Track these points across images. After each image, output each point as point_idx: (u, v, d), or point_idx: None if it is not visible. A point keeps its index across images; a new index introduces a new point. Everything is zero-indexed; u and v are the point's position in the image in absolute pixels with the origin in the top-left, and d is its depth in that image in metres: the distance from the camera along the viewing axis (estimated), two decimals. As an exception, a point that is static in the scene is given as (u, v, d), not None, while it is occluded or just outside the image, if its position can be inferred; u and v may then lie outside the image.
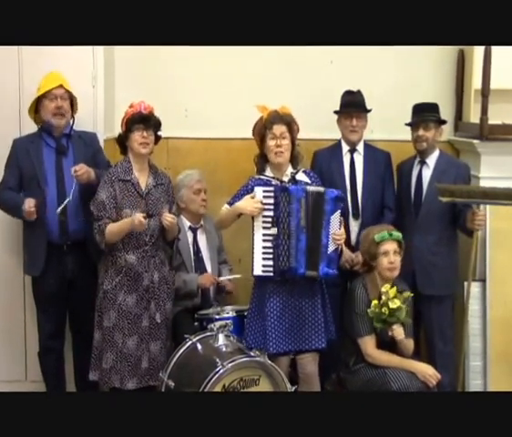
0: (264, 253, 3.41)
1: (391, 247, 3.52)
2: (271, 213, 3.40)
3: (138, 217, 3.43)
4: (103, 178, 3.59)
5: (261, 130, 3.51)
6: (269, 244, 3.40)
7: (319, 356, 3.53)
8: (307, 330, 3.45)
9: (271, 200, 3.40)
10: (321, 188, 3.47)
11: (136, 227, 3.46)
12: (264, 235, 3.41)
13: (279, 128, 3.46)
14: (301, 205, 3.39)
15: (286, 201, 3.38)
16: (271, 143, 3.47)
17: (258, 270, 3.42)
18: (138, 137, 3.53)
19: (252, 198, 3.42)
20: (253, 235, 3.43)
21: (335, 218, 3.43)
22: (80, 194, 3.66)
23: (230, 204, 3.53)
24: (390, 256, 3.51)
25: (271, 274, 3.41)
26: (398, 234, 3.57)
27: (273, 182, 3.49)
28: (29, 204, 3.55)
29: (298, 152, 3.57)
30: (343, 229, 3.48)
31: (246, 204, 3.42)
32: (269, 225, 3.41)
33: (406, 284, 3.63)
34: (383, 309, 3.37)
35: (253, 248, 3.43)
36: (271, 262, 3.40)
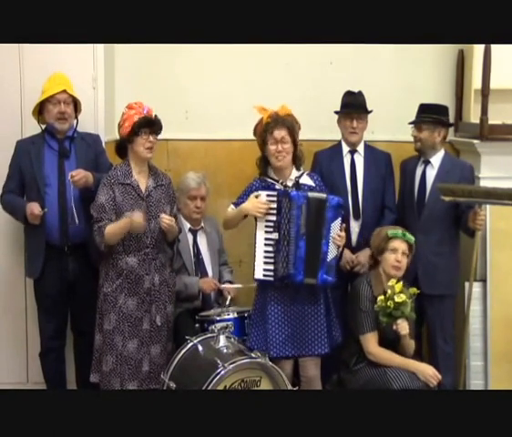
0: (266, 257, 3.41)
1: (401, 246, 3.52)
2: (274, 218, 3.40)
3: (137, 218, 3.42)
4: (102, 181, 3.56)
5: (262, 134, 3.49)
6: (270, 248, 3.40)
7: (321, 359, 3.54)
8: (309, 336, 3.45)
9: (274, 205, 3.39)
10: (323, 195, 3.44)
11: (134, 228, 3.44)
12: (266, 239, 3.41)
13: (280, 133, 3.43)
14: (301, 211, 3.37)
15: (287, 207, 3.37)
16: (271, 147, 3.45)
17: (259, 274, 3.42)
18: (144, 141, 3.50)
19: (256, 197, 3.41)
20: (256, 238, 3.43)
21: (336, 226, 3.42)
22: (81, 197, 3.65)
23: (236, 204, 3.52)
24: (398, 254, 3.51)
25: (272, 279, 3.41)
26: (411, 237, 3.57)
27: (277, 186, 3.48)
28: (37, 208, 3.56)
29: (301, 152, 3.55)
30: (344, 233, 3.47)
31: (251, 205, 3.42)
32: (271, 229, 3.40)
33: (408, 284, 3.62)
34: (388, 303, 3.37)
35: (255, 251, 3.42)
36: (271, 267, 3.40)
